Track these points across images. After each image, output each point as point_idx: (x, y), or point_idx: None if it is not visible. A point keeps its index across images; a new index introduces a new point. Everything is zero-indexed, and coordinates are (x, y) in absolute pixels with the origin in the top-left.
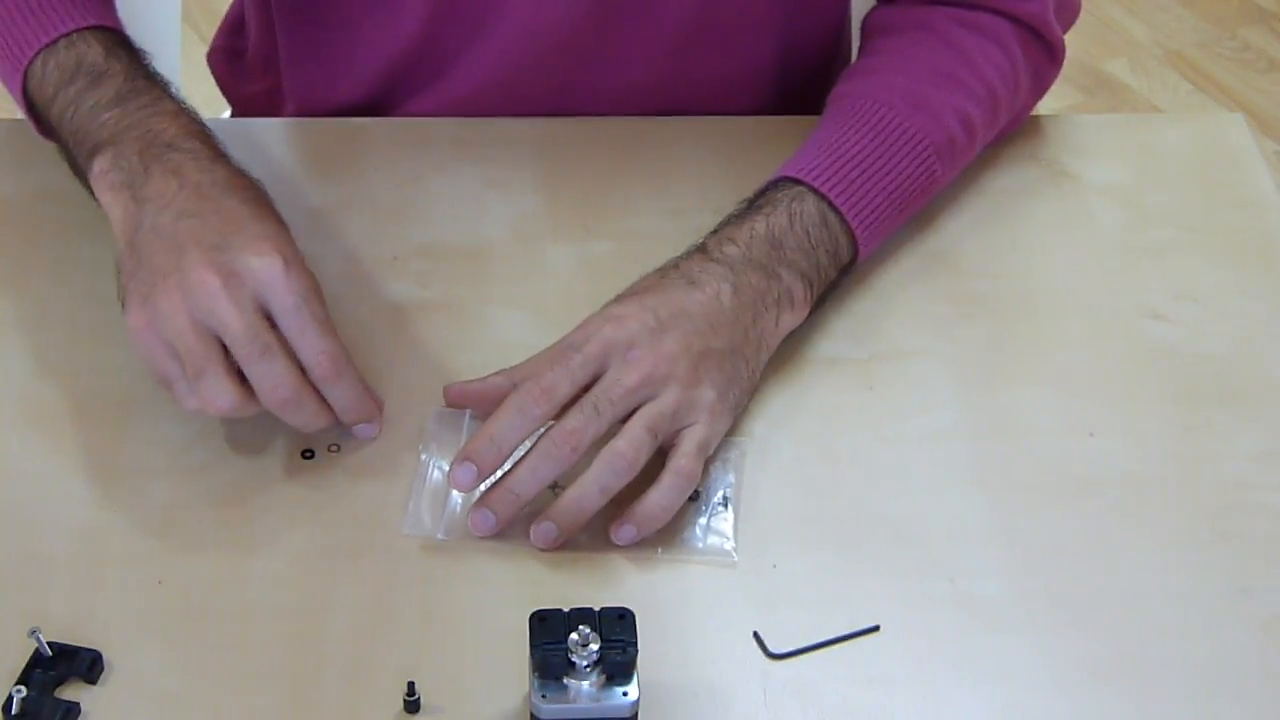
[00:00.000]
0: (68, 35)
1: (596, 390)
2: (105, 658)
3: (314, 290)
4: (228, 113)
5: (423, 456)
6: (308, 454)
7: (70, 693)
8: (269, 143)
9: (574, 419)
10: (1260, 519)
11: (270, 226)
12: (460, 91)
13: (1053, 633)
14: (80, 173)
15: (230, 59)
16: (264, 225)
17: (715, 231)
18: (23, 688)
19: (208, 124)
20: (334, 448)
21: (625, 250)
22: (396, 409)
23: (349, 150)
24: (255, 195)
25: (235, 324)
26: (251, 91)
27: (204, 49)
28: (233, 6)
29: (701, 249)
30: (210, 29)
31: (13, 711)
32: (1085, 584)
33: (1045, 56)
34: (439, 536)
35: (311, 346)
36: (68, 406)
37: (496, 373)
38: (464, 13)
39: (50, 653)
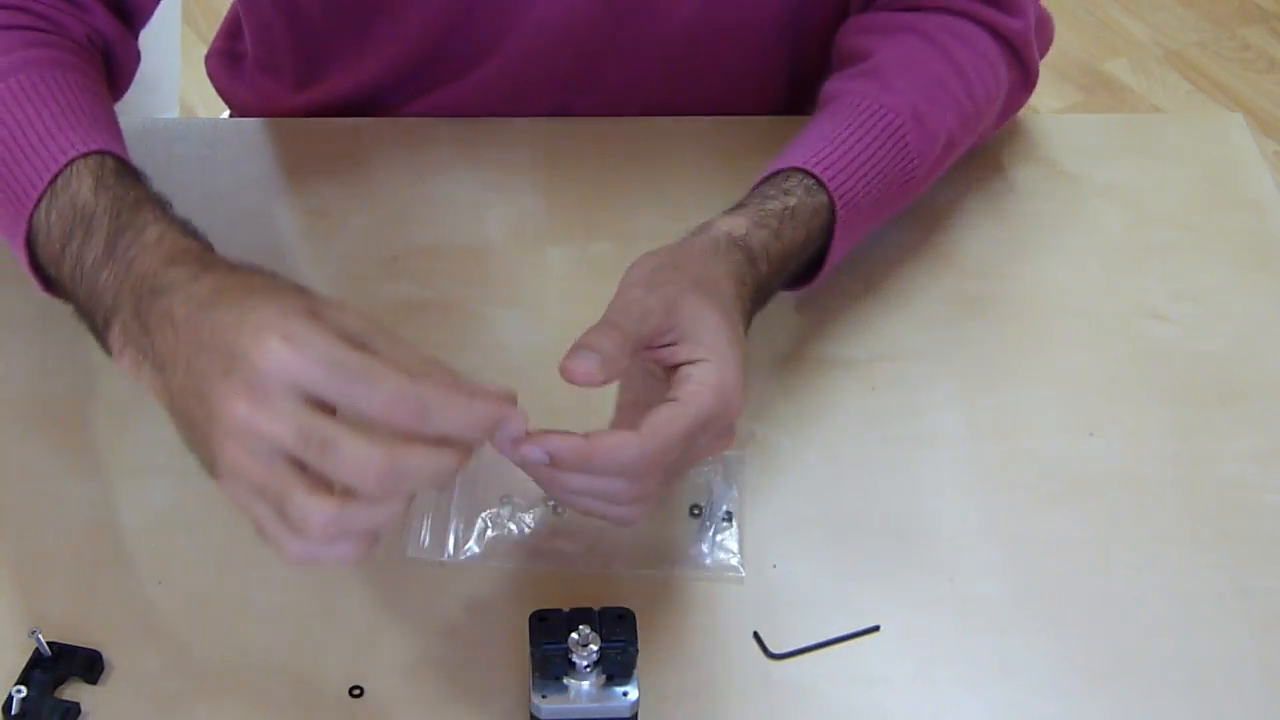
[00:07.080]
0: (63, 171)
1: (686, 460)
2: (105, 658)
3: (338, 335)
4: (227, 113)
5: None
6: None
7: (70, 693)
8: (269, 143)
9: (651, 485)
10: (1260, 519)
11: (262, 308)
12: (471, 91)
13: (1053, 633)
14: (105, 346)
15: (229, 62)
16: (257, 314)
17: (745, 233)
18: (23, 688)
19: (192, 229)
20: None
21: (625, 251)
22: None
23: (349, 150)
24: (241, 285)
25: (282, 435)
26: (249, 93)
27: (204, 49)
28: (231, 9)
29: (748, 257)
30: (210, 29)
31: (13, 711)
32: (1085, 584)
33: (1020, 80)
34: (442, 559)
35: (369, 398)
36: (68, 406)
37: (576, 440)
38: (480, 13)
39: (50, 653)
